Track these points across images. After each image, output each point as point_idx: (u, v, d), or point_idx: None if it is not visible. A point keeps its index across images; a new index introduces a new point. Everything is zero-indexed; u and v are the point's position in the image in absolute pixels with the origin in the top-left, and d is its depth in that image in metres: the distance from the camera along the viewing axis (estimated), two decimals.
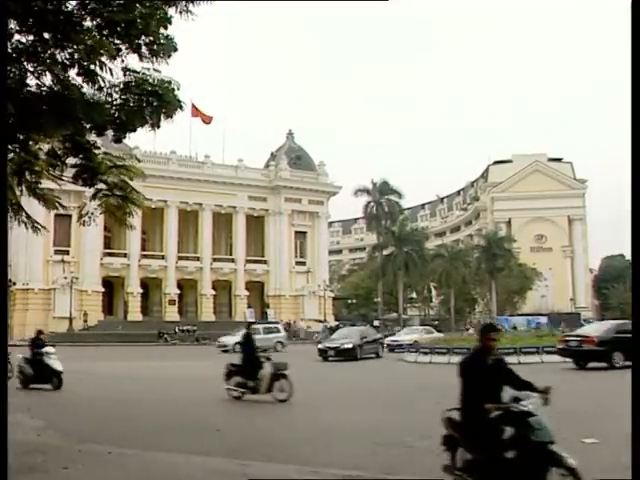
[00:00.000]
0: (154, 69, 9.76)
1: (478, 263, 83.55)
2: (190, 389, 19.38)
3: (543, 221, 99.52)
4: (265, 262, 73.60)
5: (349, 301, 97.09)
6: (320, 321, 66.85)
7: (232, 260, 72.06)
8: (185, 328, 58.64)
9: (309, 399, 15.92)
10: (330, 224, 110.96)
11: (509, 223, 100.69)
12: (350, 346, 30.42)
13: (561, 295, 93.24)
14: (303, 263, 74.46)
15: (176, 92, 9.96)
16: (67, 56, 9.16)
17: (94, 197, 12.14)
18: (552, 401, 6.29)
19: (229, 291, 72.41)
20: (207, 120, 66.87)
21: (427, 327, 46.71)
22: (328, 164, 77.93)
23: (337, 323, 65.89)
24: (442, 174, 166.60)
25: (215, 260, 71.25)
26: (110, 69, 9.36)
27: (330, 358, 30.24)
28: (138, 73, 9.75)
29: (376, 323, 67.98)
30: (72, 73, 9.48)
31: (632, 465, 5.13)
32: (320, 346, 31.34)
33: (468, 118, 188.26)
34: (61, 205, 13.71)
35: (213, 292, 70.56)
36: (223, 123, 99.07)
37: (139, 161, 13.12)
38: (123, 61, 9.55)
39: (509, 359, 24.51)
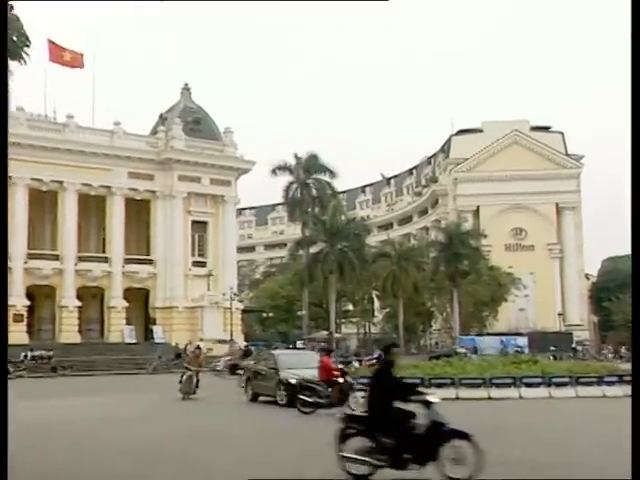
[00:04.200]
0: None
1: (435, 265, 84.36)
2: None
3: (523, 210, 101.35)
4: (151, 262, 72.65)
5: (264, 315, 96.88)
6: (225, 342, 66.48)
7: (105, 259, 70.78)
8: (37, 354, 57.26)
9: None
10: (240, 212, 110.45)
11: (477, 212, 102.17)
12: (341, 381, 26.33)
13: (546, 308, 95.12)
14: (203, 264, 73.84)
15: (22, 26, 9.49)
16: None
17: None
18: None
19: (101, 302, 71.17)
20: (75, 63, 65.16)
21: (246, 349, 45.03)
22: (237, 131, 77.72)
23: (247, 344, 65.62)
24: (389, 146, 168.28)
25: (81, 259, 69.86)
26: None
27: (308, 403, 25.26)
28: None
29: (299, 344, 67.91)
30: None
31: (632, 465, 6.08)
32: (293, 381, 26.66)
33: (425, 72, 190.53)
34: None
35: (78, 303, 69.16)
36: (92, 72, 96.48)
37: None
38: None
39: (476, 393, 24.90)
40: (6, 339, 7.29)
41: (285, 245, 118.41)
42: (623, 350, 71.17)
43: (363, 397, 23.37)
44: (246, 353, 57.21)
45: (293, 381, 26.79)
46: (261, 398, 29.27)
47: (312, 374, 26.75)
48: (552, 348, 64.26)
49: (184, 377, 31.54)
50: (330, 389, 23.71)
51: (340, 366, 29.28)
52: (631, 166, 6.05)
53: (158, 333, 69.15)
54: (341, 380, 23.88)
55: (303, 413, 23.59)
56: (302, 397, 23.80)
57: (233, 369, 47.43)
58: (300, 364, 28.54)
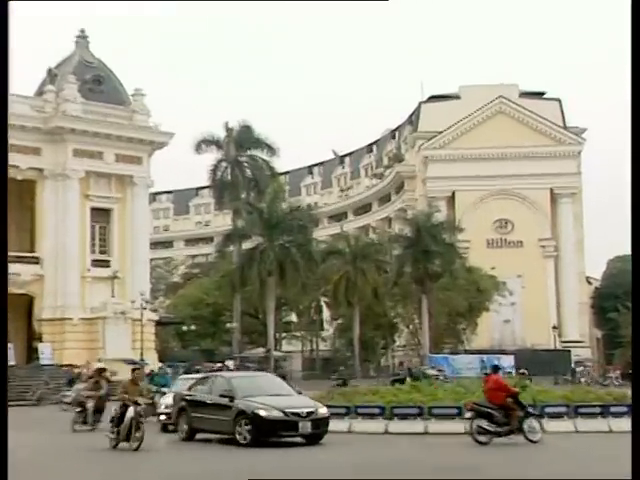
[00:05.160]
0: None
1: (400, 266, 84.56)
2: None
3: (508, 197, 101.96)
4: (37, 261, 71.71)
5: (184, 328, 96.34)
6: (134, 362, 65.63)
7: None
8: None
9: None
10: (154, 197, 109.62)
11: (452, 200, 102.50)
12: (325, 412, 26.96)
13: (537, 320, 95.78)
14: (106, 263, 73.11)
15: None
16: None
17: None
18: None
19: None
20: None
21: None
22: (150, 94, 77.28)
23: (161, 365, 64.96)
24: (342, 117, 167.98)
25: None
26: None
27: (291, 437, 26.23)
28: None
29: (230, 364, 67.49)
30: None
31: (632, 465, 7.67)
32: (264, 413, 25.63)
33: (389, 24, 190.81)
34: None
35: None
36: None
37: None
38: None
39: (450, 425, 24.40)
40: (6, 340, 6.62)
41: (211, 239, 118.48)
42: None
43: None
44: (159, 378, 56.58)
45: (263, 413, 25.49)
46: (200, 435, 27.52)
47: (279, 402, 25.98)
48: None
49: (127, 415, 24.65)
50: (504, 413, 24.80)
51: None
52: (631, 166, 5.62)
53: (45, 353, 67.87)
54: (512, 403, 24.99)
55: (479, 443, 24.58)
56: (481, 425, 24.77)
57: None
58: (259, 390, 27.30)
